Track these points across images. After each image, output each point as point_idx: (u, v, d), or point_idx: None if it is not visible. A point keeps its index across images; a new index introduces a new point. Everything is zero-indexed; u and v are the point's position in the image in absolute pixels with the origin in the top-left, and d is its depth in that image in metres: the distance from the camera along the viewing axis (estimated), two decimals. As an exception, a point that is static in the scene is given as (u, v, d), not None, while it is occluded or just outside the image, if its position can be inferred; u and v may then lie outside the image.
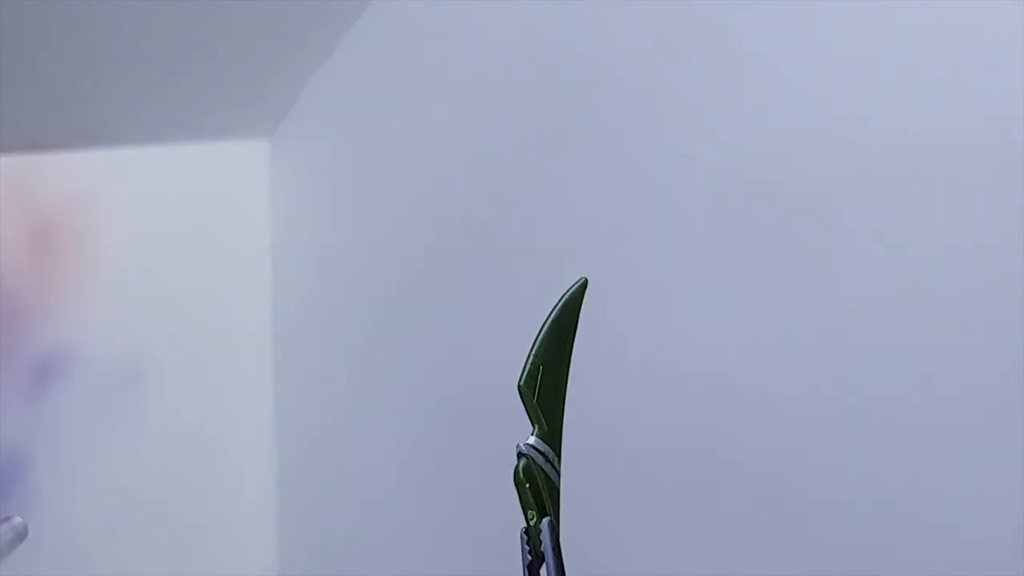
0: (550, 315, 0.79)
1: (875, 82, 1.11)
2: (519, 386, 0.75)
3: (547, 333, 0.78)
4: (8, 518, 0.95)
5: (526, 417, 1.27)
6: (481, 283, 1.32)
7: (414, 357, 1.37)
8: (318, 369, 1.42)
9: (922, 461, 1.10)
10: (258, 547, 1.43)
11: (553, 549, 0.74)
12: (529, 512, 0.74)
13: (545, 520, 0.74)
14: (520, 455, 0.74)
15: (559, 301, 0.80)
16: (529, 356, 0.77)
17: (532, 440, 0.76)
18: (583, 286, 0.80)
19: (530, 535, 0.74)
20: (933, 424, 1.09)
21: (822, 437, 1.15)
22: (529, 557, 0.73)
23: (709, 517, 1.22)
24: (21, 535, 0.94)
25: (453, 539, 1.36)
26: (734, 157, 1.18)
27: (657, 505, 1.25)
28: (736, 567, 1.20)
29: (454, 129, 1.31)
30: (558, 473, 0.78)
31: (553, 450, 0.78)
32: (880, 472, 1.12)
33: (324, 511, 1.44)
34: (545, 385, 0.78)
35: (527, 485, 0.75)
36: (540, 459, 0.76)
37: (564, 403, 0.81)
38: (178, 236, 1.26)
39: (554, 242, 1.28)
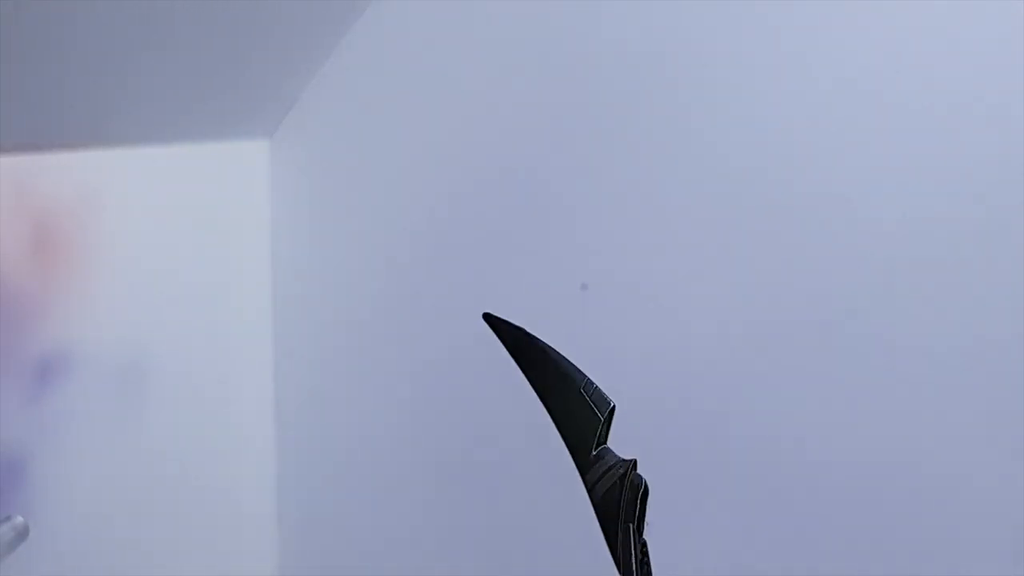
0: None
1: (880, 84, 1.11)
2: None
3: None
4: (9, 517, 0.95)
5: (527, 416, 1.26)
6: (482, 283, 1.32)
7: (415, 357, 1.36)
8: (318, 369, 1.42)
9: (921, 461, 1.09)
10: (258, 547, 1.43)
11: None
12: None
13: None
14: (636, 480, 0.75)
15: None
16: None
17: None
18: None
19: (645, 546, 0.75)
20: (933, 424, 1.09)
21: (821, 438, 1.15)
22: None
23: (710, 517, 1.22)
24: (22, 535, 0.94)
25: (454, 539, 1.36)
26: (738, 157, 1.18)
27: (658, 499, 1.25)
28: (736, 564, 1.20)
29: (455, 129, 1.31)
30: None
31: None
32: (879, 472, 1.12)
33: (324, 511, 1.44)
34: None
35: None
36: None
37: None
38: (178, 236, 1.26)
39: (556, 242, 1.28)
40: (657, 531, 1.24)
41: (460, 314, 1.34)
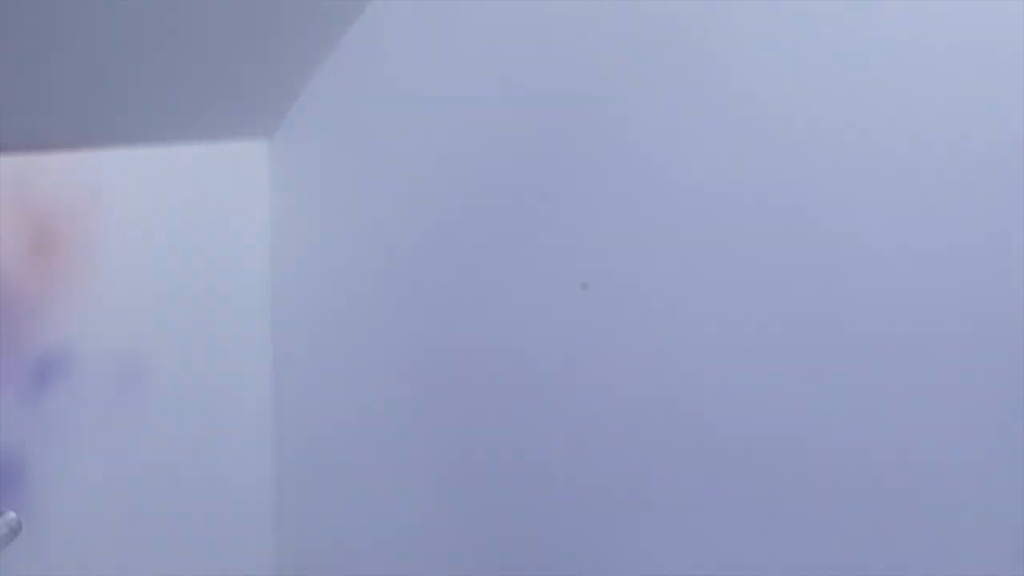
0: None
1: (872, 88, 1.11)
2: None
3: None
4: (1, 513, 0.95)
5: (526, 415, 1.26)
6: (483, 283, 1.32)
7: (414, 356, 1.36)
8: (318, 369, 1.42)
9: (921, 461, 1.09)
10: (256, 547, 1.43)
11: None
12: None
13: None
14: None
15: None
16: None
17: None
18: None
19: None
20: (933, 424, 1.09)
21: (820, 437, 1.15)
22: None
23: (708, 516, 1.21)
24: (15, 530, 0.94)
25: (452, 537, 1.36)
26: (737, 157, 1.18)
27: (653, 498, 1.25)
28: (736, 564, 1.20)
29: (454, 129, 1.31)
30: None
31: None
32: (879, 472, 1.12)
33: (323, 512, 1.44)
34: None
35: None
36: None
37: None
38: (178, 236, 1.26)
39: (554, 243, 1.28)
40: (656, 530, 1.24)
41: (460, 314, 1.34)
